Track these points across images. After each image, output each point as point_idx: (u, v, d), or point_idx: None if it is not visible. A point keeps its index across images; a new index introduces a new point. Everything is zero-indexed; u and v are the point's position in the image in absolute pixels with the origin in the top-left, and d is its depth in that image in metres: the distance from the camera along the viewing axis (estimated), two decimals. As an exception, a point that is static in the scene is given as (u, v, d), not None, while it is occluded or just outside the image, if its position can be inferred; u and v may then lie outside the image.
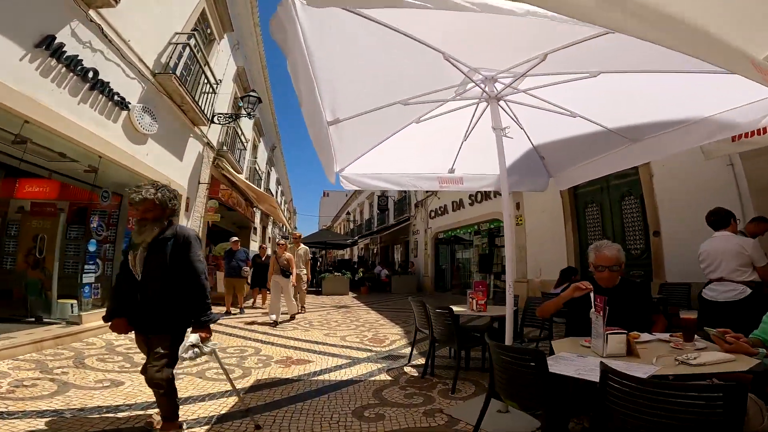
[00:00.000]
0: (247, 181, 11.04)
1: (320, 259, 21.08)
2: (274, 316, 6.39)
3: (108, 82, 5.20)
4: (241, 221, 14.73)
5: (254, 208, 16.11)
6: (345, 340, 5.48)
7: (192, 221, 8.57)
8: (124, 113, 5.77)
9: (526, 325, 4.32)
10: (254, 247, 17.65)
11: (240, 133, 12.06)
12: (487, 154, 4.49)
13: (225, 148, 10.65)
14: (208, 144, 9.47)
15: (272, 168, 21.89)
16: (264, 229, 21.32)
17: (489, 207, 10.61)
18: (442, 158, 4.34)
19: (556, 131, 3.91)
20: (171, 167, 7.39)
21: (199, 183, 8.91)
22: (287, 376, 3.72)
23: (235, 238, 7.63)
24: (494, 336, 2.74)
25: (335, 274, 13.18)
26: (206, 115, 8.49)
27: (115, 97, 5.41)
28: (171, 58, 6.96)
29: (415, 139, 4.04)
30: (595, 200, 7.53)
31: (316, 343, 5.25)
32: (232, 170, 10.39)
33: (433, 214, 14.42)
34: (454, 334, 3.35)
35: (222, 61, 10.20)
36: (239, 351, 4.67)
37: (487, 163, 4.55)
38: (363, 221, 27.27)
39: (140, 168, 6.28)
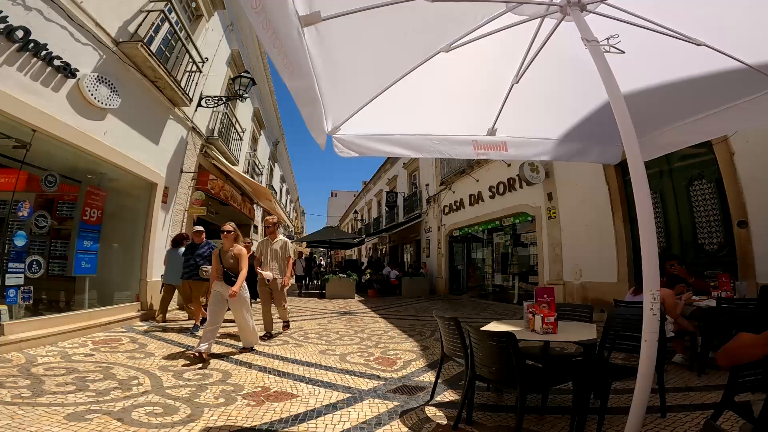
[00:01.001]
0: (242, 173, 9.93)
1: (326, 260, 19.90)
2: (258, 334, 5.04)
3: (45, 44, 4.21)
4: (239, 218, 13.66)
5: (254, 205, 15.06)
6: (345, 360, 4.26)
7: (173, 214, 7.47)
8: (70, 81, 4.72)
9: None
10: (254, 246, 16.62)
11: (235, 120, 10.98)
12: (545, 108, 3.27)
13: (216, 135, 9.57)
14: (194, 129, 8.38)
15: (275, 164, 20.85)
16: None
17: (514, 199, 9.30)
18: (478, 113, 3.12)
19: (654, 71, 2.69)
20: (142, 151, 6.28)
21: (181, 171, 7.81)
22: (254, 423, 2.52)
23: (200, 228, 5.99)
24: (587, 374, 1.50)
25: (340, 276, 11.98)
26: (189, 96, 7.40)
27: (56, 62, 4.42)
28: (141, 26, 5.91)
29: (441, 84, 2.84)
30: (652, 187, 6.19)
31: (307, 365, 4.04)
32: (224, 160, 9.29)
33: (447, 209, 13.14)
34: (515, 374, 2.09)
35: (212, 41, 9.13)
36: (200, 376, 3.48)
37: (545, 120, 3.32)
38: (371, 220, 26.06)
39: (96, 148, 5.19)
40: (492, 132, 3.21)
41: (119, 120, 5.69)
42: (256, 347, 4.63)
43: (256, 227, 16.29)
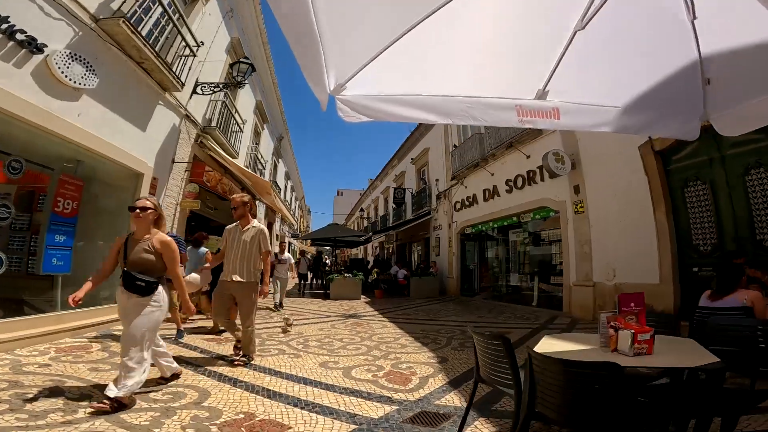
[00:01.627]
0: (241, 165, 9.31)
1: (331, 259, 19.28)
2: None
3: (6, 17, 3.68)
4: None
5: (257, 201, 14.48)
6: (350, 375, 3.59)
7: (163, 207, 6.84)
8: (37, 58, 4.14)
9: None
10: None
11: (234, 111, 10.37)
12: (611, 67, 2.57)
13: (214, 125, 8.96)
14: (189, 117, 7.78)
15: (280, 160, 20.27)
16: (270, 225, 19.71)
17: (535, 193, 8.55)
18: (526, 71, 2.45)
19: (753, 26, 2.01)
20: (126, 137, 5.67)
21: (173, 162, 7.20)
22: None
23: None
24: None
25: (345, 275, 11.32)
26: (181, 80, 6.80)
27: (18, 36, 3.85)
28: (125, 3, 5.32)
29: (478, 32, 2.18)
30: (701, 177, 5.44)
31: (305, 382, 3.38)
32: (222, 152, 8.68)
33: (458, 205, 12.42)
34: (616, 418, 1.38)
35: (210, 26, 8.53)
36: (171, 396, 2.84)
37: (610, 82, 2.62)
38: (378, 218, 25.39)
39: (69, 131, 4.58)
40: (542, 95, 2.52)
41: (97, 102, 5.08)
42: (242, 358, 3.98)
43: (258, 224, 15.72)
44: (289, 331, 5.60)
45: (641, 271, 5.83)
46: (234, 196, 4.18)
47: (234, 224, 3.98)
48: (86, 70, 4.71)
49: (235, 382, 3.28)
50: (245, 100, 12.44)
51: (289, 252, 18.99)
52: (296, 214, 32.43)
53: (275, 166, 19.25)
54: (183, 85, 6.95)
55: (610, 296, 6.32)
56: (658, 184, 5.73)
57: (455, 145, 12.69)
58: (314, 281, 16.71)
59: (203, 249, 6.40)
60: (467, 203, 11.78)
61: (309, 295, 12.23)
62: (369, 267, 16.69)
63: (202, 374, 3.44)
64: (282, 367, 3.84)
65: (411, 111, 2.47)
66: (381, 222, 23.38)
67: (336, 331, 5.92)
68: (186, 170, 7.73)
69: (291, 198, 27.59)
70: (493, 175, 10.38)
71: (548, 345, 2.04)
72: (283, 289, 8.54)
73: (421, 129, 16.41)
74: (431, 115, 2.53)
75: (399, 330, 6.03)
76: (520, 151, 9.03)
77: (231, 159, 8.75)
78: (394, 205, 18.85)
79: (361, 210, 31.02)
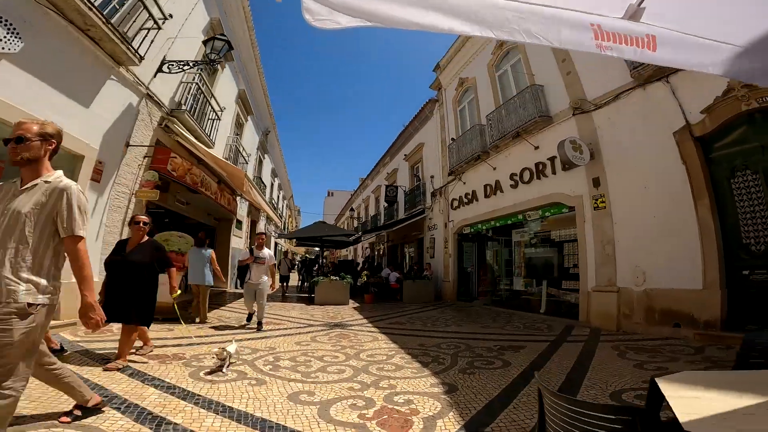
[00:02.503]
0: (215, 154, 8.25)
1: (319, 260, 18.18)
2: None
3: None
4: (217, 211, 11.96)
5: (238, 197, 13.35)
6: (328, 416, 2.59)
7: (111, 197, 5.79)
8: None
9: None
10: (238, 244, 14.89)
11: (211, 96, 9.32)
12: None
13: (184, 107, 7.91)
14: (151, 97, 6.74)
15: (266, 155, 19.16)
16: (254, 224, 18.54)
17: (545, 188, 7.66)
18: None
19: None
20: (61, 113, 4.65)
21: (127, 145, 6.13)
22: None
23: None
24: None
25: (331, 278, 10.28)
26: (139, 54, 5.80)
27: None
28: None
29: None
30: (751, 165, 4.62)
31: (262, 427, 2.37)
32: (193, 139, 7.61)
33: (456, 203, 11.51)
34: None
35: (183, 1, 7.55)
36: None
37: (735, 9, 1.73)
38: (368, 218, 24.39)
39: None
40: (633, 14, 1.62)
41: (21, 70, 4.11)
42: (187, 385, 2.97)
43: (239, 223, 14.58)
44: (222, 372, 3.48)
45: (679, 275, 4.97)
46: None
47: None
48: (7, 32, 3.86)
49: (159, 424, 2.26)
50: (226, 88, 11.39)
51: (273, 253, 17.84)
52: (284, 214, 31.22)
53: (260, 162, 18.15)
54: (141, 58, 5.95)
55: (639, 304, 5.45)
56: (700, 175, 4.89)
57: (453, 139, 11.80)
58: (304, 284, 15.64)
59: (209, 250, 6.32)
60: (465, 201, 10.88)
61: (295, 299, 11.16)
62: (359, 269, 15.70)
63: (120, 412, 2.41)
64: (236, 399, 2.82)
65: (421, 13, 1.52)
66: (372, 222, 22.40)
67: (317, 345, 4.91)
68: (145, 156, 6.66)
69: (279, 197, 26.44)
70: (495, 169, 9.50)
71: (699, 398, 1.08)
72: (262, 306, 5.81)
73: (415, 123, 15.51)
74: (455, 22, 1.57)
75: (392, 344, 5.05)
76: (528, 141, 8.15)
77: (204, 147, 7.70)
78: (386, 204, 17.88)
79: (351, 210, 29.99)
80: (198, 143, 7.71)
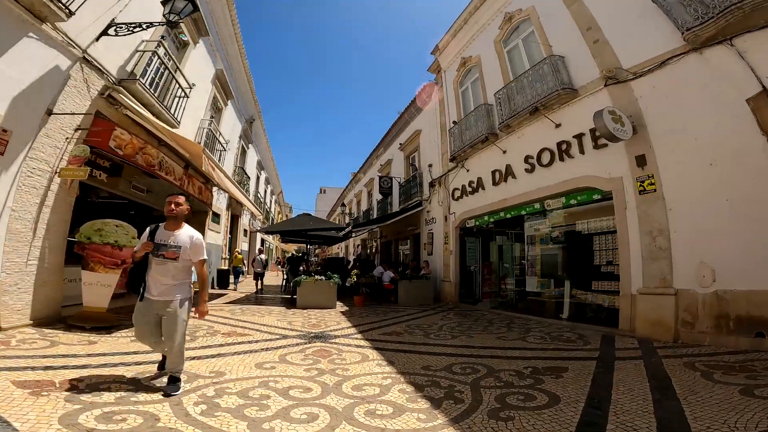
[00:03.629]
0: (173, 131, 6.88)
1: (307, 258, 16.83)
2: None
3: None
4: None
5: (215, 187, 11.91)
6: None
7: (22, 174, 4.43)
8: None
9: None
10: (215, 239, 13.46)
11: (176, 69, 7.95)
12: None
13: (140, 79, 6.53)
14: (90, 62, 5.44)
15: (250, 145, 17.70)
16: (235, 218, 17.08)
17: (570, 170, 6.41)
18: None
19: None
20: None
21: (49, 113, 4.75)
22: None
23: None
24: None
25: (316, 278, 8.94)
26: (68, 8, 4.50)
27: None
28: None
29: None
30: None
31: None
32: (148, 114, 6.23)
33: (457, 193, 10.26)
34: None
35: None
36: None
37: None
38: (360, 213, 23.07)
39: None
40: None
41: None
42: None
43: (216, 216, 13.16)
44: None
45: (763, 273, 3.78)
46: None
47: None
48: None
49: None
50: (200, 65, 9.97)
51: (263, 252, 16.36)
52: (272, 210, 29.68)
53: (244, 151, 16.71)
54: (71, 13, 4.64)
55: (706, 308, 4.25)
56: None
57: (454, 122, 10.54)
58: (288, 284, 14.27)
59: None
60: (469, 190, 9.64)
61: (278, 301, 9.81)
62: (349, 267, 14.37)
63: None
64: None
65: None
66: (364, 217, 21.08)
67: (284, 369, 3.60)
68: (78, 128, 5.28)
69: (266, 191, 24.95)
70: (505, 152, 8.26)
71: None
72: (175, 349, 2.87)
73: (411, 110, 14.23)
74: None
75: (387, 367, 3.76)
76: (548, 117, 6.92)
77: (159, 122, 6.32)
78: (381, 196, 16.57)
79: (343, 205, 28.64)
80: (154, 119, 6.34)
